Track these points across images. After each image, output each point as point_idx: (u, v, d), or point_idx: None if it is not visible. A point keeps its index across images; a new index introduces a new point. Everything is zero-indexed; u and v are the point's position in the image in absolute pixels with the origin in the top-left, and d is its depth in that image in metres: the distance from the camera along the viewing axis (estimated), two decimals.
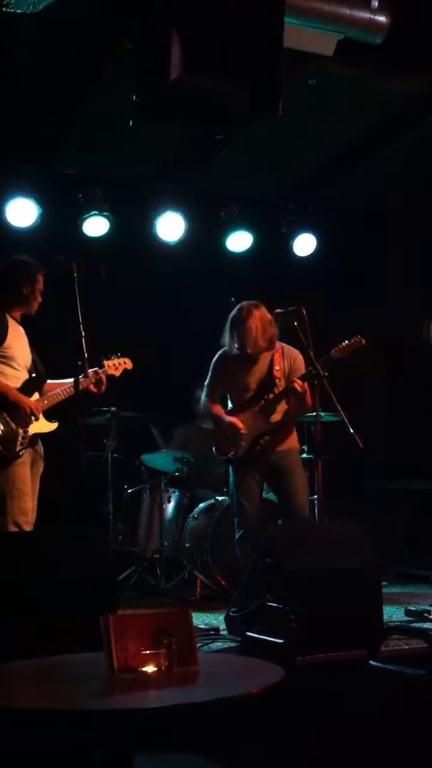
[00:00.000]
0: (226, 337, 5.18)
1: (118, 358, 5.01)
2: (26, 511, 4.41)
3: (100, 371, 4.78)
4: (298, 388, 4.90)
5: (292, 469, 5.12)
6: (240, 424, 5.05)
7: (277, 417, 5.11)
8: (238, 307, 5.16)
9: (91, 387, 4.73)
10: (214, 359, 5.27)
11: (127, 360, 5.05)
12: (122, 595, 5.73)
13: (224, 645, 4.14)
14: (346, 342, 5.05)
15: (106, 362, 4.93)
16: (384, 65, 5.18)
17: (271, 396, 5.10)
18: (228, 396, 5.28)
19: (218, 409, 5.22)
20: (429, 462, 7.00)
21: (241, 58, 3.76)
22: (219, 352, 5.27)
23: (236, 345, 5.12)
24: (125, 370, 5.03)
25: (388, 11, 4.74)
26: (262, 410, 5.09)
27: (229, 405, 5.28)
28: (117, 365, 4.99)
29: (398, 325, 7.20)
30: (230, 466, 5.20)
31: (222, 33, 3.72)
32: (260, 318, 5.06)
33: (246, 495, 5.05)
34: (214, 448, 5.27)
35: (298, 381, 4.93)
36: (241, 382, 5.17)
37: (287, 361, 5.18)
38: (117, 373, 4.99)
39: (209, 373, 5.29)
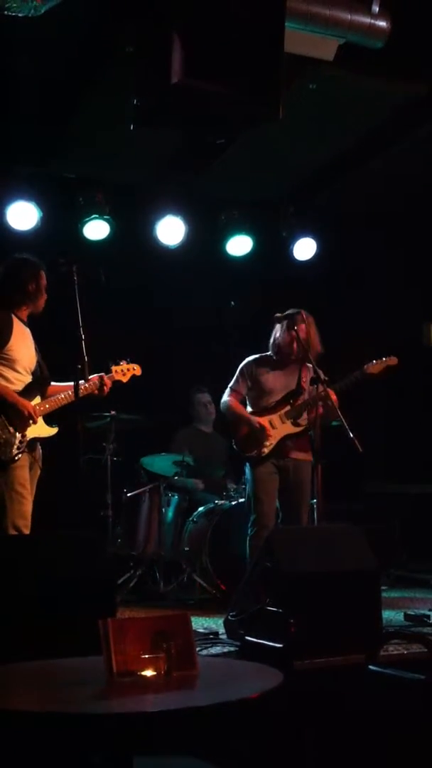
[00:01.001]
0: (278, 333, 5.32)
1: (128, 363, 4.98)
2: (26, 514, 4.41)
3: (105, 377, 4.76)
4: (330, 396, 4.96)
5: (303, 484, 5.30)
6: (269, 428, 5.24)
7: (303, 422, 5.27)
8: (296, 310, 5.26)
9: (94, 392, 4.71)
10: (245, 363, 5.46)
11: (136, 366, 5.02)
12: (121, 599, 5.72)
13: (223, 649, 4.14)
14: (381, 360, 5.22)
15: (113, 367, 4.90)
16: (384, 70, 5.19)
17: (299, 402, 5.25)
18: (248, 398, 5.45)
19: (243, 410, 5.41)
20: (428, 465, 7.00)
21: (242, 63, 3.76)
22: (251, 358, 5.46)
23: (283, 344, 5.28)
24: (133, 376, 5.00)
25: (389, 16, 4.74)
26: (288, 414, 5.27)
27: (248, 408, 5.43)
28: (125, 371, 4.95)
29: (397, 328, 7.21)
30: (248, 464, 5.34)
31: (222, 37, 3.72)
32: (311, 330, 5.22)
33: (265, 491, 5.21)
34: (235, 446, 5.44)
35: (330, 390, 5.00)
36: (269, 387, 5.36)
37: (309, 375, 5.27)
38: (124, 379, 4.96)
39: (237, 375, 5.46)
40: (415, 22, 4.83)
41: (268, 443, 5.24)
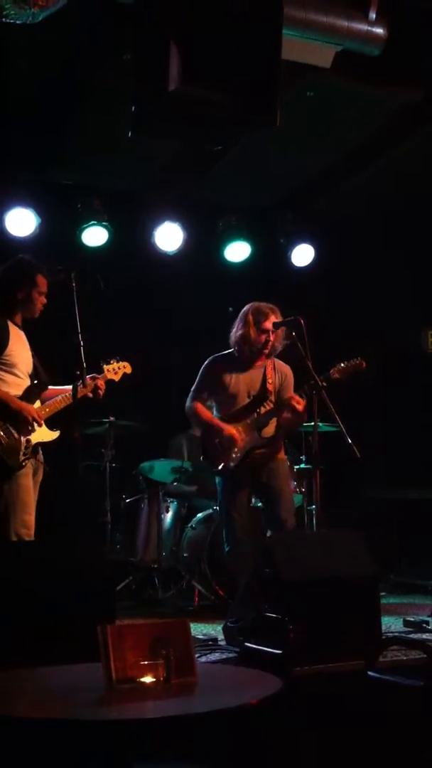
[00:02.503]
0: (240, 329, 4.99)
1: (118, 362, 4.98)
2: (29, 523, 4.38)
3: (98, 377, 4.76)
4: (299, 406, 4.79)
5: (282, 485, 5.02)
6: (237, 436, 4.93)
7: (270, 431, 5.00)
8: (259, 304, 5.03)
9: (88, 394, 4.71)
10: (207, 363, 5.13)
11: (126, 364, 5.02)
12: (120, 605, 5.71)
13: (222, 656, 4.14)
14: (347, 363, 4.97)
15: (105, 367, 4.91)
16: (381, 76, 5.20)
17: (264, 410, 5.00)
18: (214, 403, 5.14)
19: (211, 416, 5.07)
20: (427, 471, 7.00)
21: (240, 70, 3.77)
22: (212, 358, 5.14)
23: (245, 341, 4.97)
24: (125, 375, 5.00)
25: (386, 23, 4.76)
26: (254, 423, 4.98)
27: (215, 413, 5.15)
28: (116, 369, 4.97)
29: (397, 334, 7.21)
30: (218, 477, 5.06)
31: (220, 44, 3.73)
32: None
33: (236, 507, 4.93)
34: (202, 457, 5.17)
35: (297, 397, 4.81)
36: (233, 391, 5.03)
37: (279, 375, 5.08)
38: (117, 378, 4.97)
39: (199, 378, 5.13)
40: (412, 28, 4.84)
41: (233, 455, 4.93)
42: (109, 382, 4.89)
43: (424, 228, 7.19)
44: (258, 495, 5.14)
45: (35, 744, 2.09)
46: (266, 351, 5.00)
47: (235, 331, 5.04)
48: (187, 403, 5.13)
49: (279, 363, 5.12)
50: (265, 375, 5.06)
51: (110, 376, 4.92)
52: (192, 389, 5.13)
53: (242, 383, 5.05)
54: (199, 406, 5.08)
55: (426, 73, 5.11)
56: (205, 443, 5.11)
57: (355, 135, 6.26)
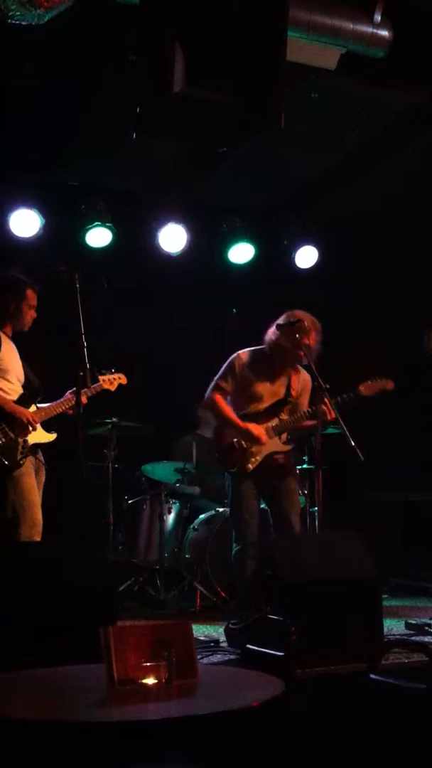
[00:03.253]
0: (279, 337, 4.84)
1: (113, 373, 5.07)
2: (37, 521, 4.49)
3: (92, 386, 4.79)
4: (330, 416, 4.65)
5: (290, 490, 4.95)
6: (264, 437, 4.82)
7: (291, 442, 4.95)
8: (304, 319, 4.84)
9: (68, 411, 4.72)
10: (234, 357, 4.96)
11: (121, 375, 5.12)
12: (122, 607, 5.71)
13: (224, 657, 4.13)
14: (376, 381, 4.96)
15: (100, 377, 4.98)
16: (385, 78, 5.20)
17: (286, 416, 4.90)
18: (232, 399, 4.97)
19: (233, 414, 4.88)
20: (428, 473, 7.00)
21: (244, 71, 3.77)
22: (241, 352, 4.97)
23: (280, 349, 4.85)
24: (120, 385, 5.07)
25: (390, 25, 4.76)
26: (276, 428, 4.89)
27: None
28: (112, 380, 5.06)
29: (399, 336, 7.21)
30: (229, 478, 4.95)
31: (225, 46, 3.73)
32: (318, 338, 4.90)
33: (248, 509, 4.83)
34: (216, 456, 5.04)
35: (330, 407, 4.66)
36: (256, 391, 4.91)
37: (301, 383, 5.00)
38: (112, 388, 5.06)
39: (224, 369, 4.96)
40: (417, 31, 4.85)
41: (254, 459, 4.83)
42: (105, 392, 4.97)
43: (427, 230, 7.18)
44: (266, 498, 5.00)
45: (37, 745, 2.09)
46: (295, 362, 4.93)
47: (274, 334, 4.90)
48: (207, 393, 4.96)
49: (303, 371, 5.03)
50: (290, 381, 4.96)
51: (106, 385, 5.03)
52: (214, 380, 4.96)
53: (267, 384, 4.93)
54: (221, 400, 4.92)
55: (430, 75, 5.11)
56: (219, 440, 4.97)
57: (358, 136, 6.26)
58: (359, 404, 4.90)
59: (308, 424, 4.88)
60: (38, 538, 4.45)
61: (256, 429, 4.84)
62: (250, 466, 4.85)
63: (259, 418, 4.90)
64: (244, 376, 4.92)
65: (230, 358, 4.98)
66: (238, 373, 4.92)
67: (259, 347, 4.99)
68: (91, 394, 4.83)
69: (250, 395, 4.92)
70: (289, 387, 4.94)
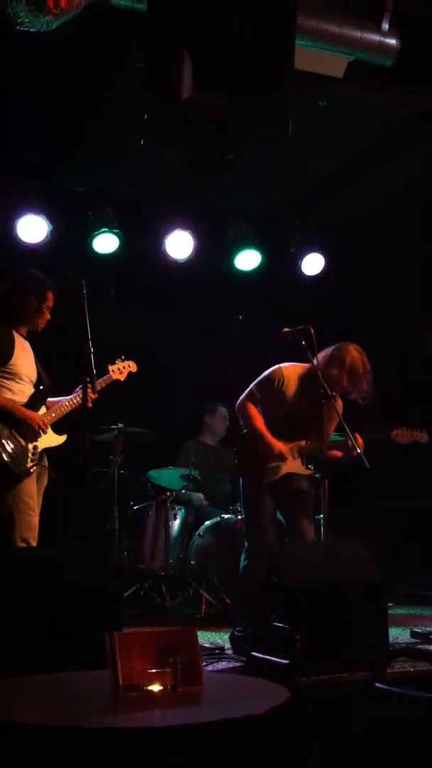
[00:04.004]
0: (334, 369, 4.77)
1: (122, 361, 5.02)
2: (33, 526, 4.43)
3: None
4: (358, 450, 4.60)
5: (303, 495, 4.92)
6: (287, 458, 4.76)
7: (311, 468, 4.89)
8: (364, 363, 4.82)
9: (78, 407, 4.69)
10: (276, 370, 4.88)
11: (131, 363, 5.06)
12: (127, 613, 5.70)
13: (229, 664, 4.13)
14: (411, 431, 5.03)
15: (110, 367, 4.95)
16: (393, 87, 5.20)
17: (311, 441, 4.81)
18: (262, 410, 4.88)
19: (264, 426, 4.80)
20: (428, 481, 6.98)
21: (252, 79, 3.78)
22: (284, 365, 4.89)
23: (330, 379, 4.73)
24: (130, 374, 5.02)
25: (398, 34, 4.77)
26: (301, 451, 4.84)
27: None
28: (122, 369, 5.00)
29: (403, 341, 7.20)
30: (246, 485, 4.92)
31: (233, 54, 3.75)
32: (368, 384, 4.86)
33: (267, 516, 4.78)
34: (236, 460, 4.98)
35: (360, 441, 4.64)
36: (289, 410, 4.84)
37: (332, 413, 4.80)
38: (122, 378, 5.01)
39: (263, 379, 4.89)
40: (425, 40, 4.85)
41: (272, 474, 4.78)
42: (115, 382, 4.92)
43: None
44: (281, 508, 4.95)
45: (41, 751, 2.09)
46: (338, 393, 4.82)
47: (328, 361, 4.81)
48: (242, 398, 4.90)
49: (338, 401, 4.90)
50: (325, 408, 4.74)
51: (116, 376, 4.96)
52: (251, 387, 4.90)
53: (303, 406, 4.83)
54: (253, 409, 4.84)
55: None
56: (241, 447, 4.93)
57: (366, 143, 6.27)
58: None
59: (332, 454, 4.83)
60: (34, 543, 4.41)
61: (283, 446, 4.77)
62: (264, 480, 4.80)
63: (284, 435, 4.82)
64: (280, 392, 4.84)
65: (271, 369, 4.91)
66: (276, 387, 4.85)
67: (304, 366, 4.89)
68: (101, 387, 4.78)
69: (281, 411, 4.85)
70: (321, 414, 4.73)
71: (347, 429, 4.60)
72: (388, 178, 6.72)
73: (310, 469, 4.90)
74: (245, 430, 4.91)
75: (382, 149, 6.37)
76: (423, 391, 7.26)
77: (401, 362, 7.12)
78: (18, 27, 4.03)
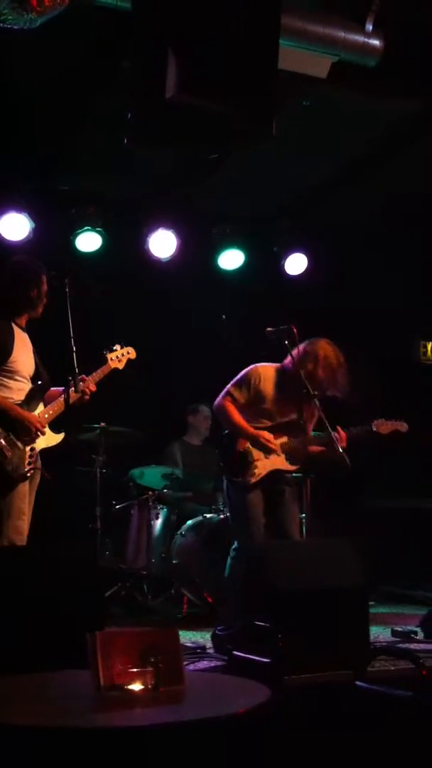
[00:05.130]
0: (309, 365, 4.77)
1: (122, 348, 4.91)
2: (22, 529, 4.33)
3: (86, 378, 4.67)
4: (342, 443, 4.64)
5: (293, 502, 4.92)
6: (275, 445, 4.78)
7: (296, 463, 4.89)
8: (338, 357, 4.84)
9: (79, 400, 4.63)
10: (252, 370, 4.88)
11: (130, 349, 4.94)
12: (109, 613, 5.69)
13: (211, 663, 4.13)
14: (393, 423, 5.04)
15: (108, 355, 4.83)
16: (377, 87, 5.22)
17: (297, 438, 4.82)
18: (240, 411, 4.86)
19: (245, 422, 4.80)
20: (421, 481, 7.01)
21: (236, 79, 3.79)
22: (259, 365, 4.91)
23: (307, 375, 4.72)
24: (129, 361, 4.91)
25: (382, 35, 4.79)
26: (283, 447, 4.84)
27: None
28: (120, 357, 4.88)
29: (389, 344, 7.22)
30: (232, 487, 4.87)
31: (217, 53, 3.75)
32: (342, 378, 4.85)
33: (255, 519, 4.75)
34: (221, 464, 4.99)
35: (343, 434, 4.69)
36: (269, 408, 4.85)
37: (311, 410, 4.85)
38: (121, 366, 4.88)
39: (240, 378, 4.88)
40: (409, 40, 4.87)
41: (257, 472, 4.76)
42: (114, 372, 4.82)
43: (418, 238, 7.21)
44: (268, 510, 4.89)
45: (21, 751, 2.08)
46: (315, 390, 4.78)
47: (302, 358, 4.80)
48: (219, 399, 4.90)
49: (314, 400, 4.85)
50: (302, 406, 4.78)
51: (114, 365, 4.84)
52: (228, 387, 4.89)
53: (281, 405, 4.85)
54: (231, 407, 4.84)
55: (422, 85, 5.14)
56: (225, 449, 4.90)
57: (350, 145, 6.28)
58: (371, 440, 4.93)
59: (314, 449, 4.84)
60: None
61: (268, 435, 4.79)
62: (253, 480, 4.77)
63: (269, 432, 4.84)
64: (258, 391, 4.84)
65: (247, 369, 4.91)
66: (253, 386, 4.84)
67: (280, 365, 4.92)
68: (99, 379, 4.70)
69: (260, 410, 4.86)
70: (301, 411, 4.77)
71: (328, 425, 4.61)
72: (375, 181, 6.74)
73: (294, 464, 4.87)
74: (226, 431, 4.92)
75: (370, 153, 6.39)
76: (410, 395, 7.29)
77: (388, 367, 7.15)
78: (1, 24, 4.02)
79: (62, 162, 6.50)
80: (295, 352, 4.79)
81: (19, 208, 6.50)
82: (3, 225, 6.50)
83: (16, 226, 6.52)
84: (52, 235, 6.74)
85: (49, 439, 4.51)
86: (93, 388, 4.63)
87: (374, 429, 4.97)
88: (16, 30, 4.06)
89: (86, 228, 6.75)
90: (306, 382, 4.67)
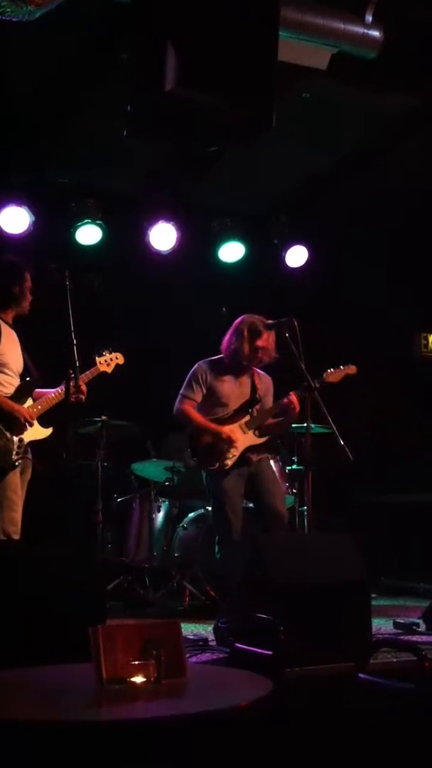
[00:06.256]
0: (234, 344, 5.10)
1: (110, 353, 5.03)
2: (16, 520, 4.40)
3: (80, 377, 4.71)
4: (295, 405, 4.90)
5: (270, 474, 5.20)
6: (235, 436, 5.02)
7: (265, 434, 5.14)
8: (255, 318, 5.11)
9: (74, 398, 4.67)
10: (196, 368, 5.21)
11: (119, 355, 5.07)
12: (110, 606, 5.70)
13: (212, 656, 4.13)
14: (340, 368, 5.16)
15: (97, 359, 4.94)
16: (377, 80, 5.20)
17: (257, 410, 5.11)
18: (200, 407, 5.17)
19: (203, 419, 5.11)
20: (417, 475, 7.02)
21: (235, 71, 3.77)
22: (201, 362, 5.23)
23: (236, 353, 5.09)
24: (118, 366, 5.03)
25: (382, 26, 4.77)
26: (249, 424, 5.09)
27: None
28: (109, 361, 5.00)
29: (389, 337, 7.22)
30: (209, 478, 5.10)
31: (217, 45, 3.73)
32: (271, 337, 5.10)
33: (232, 507, 4.99)
34: (195, 459, 5.23)
35: (295, 399, 4.92)
36: (222, 396, 5.14)
37: (263, 382, 5.23)
38: (109, 370, 5.00)
39: (188, 381, 5.19)
40: (408, 32, 4.85)
41: (230, 455, 5.00)
42: (102, 375, 4.91)
43: (418, 231, 7.20)
44: (249, 489, 5.13)
45: (25, 745, 2.09)
46: (255, 365, 5.17)
47: (228, 342, 5.14)
48: (176, 405, 5.20)
49: (260, 371, 5.26)
50: (253, 382, 5.18)
51: (103, 368, 4.96)
52: (180, 392, 5.20)
53: (232, 388, 5.15)
54: (190, 409, 5.14)
55: (422, 77, 5.12)
56: (194, 444, 5.15)
57: (350, 137, 6.27)
58: (328, 391, 5.03)
59: (270, 422, 5.11)
60: (16, 537, 4.40)
61: (228, 429, 5.04)
62: (229, 463, 5.01)
63: (231, 419, 5.11)
64: (209, 384, 5.14)
65: (192, 369, 5.22)
66: (203, 381, 5.15)
67: (219, 356, 5.21)
68: (88, 380, 4.80)
69: (217, 401, 5.15)
70: (254, 388, 5.16)
71: (330, 420, 4.68)
72: (376, 173, 6.72)
73: (263, 436, 5.12)
74: (191, 430, 5.16)
75: (370, 145, 6.38)
76: (412, 391, 7.30)
77: (390, 361, 7.16)
78: (0, 17, 4.00)
79: (62, 155, 6.48)
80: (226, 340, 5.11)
81: (19, 201, 6.49)
82: (3, 218, 6.49)
83: (16, 220, 6.51)
84: (52, 228, 6.74)
85: (36, 432, 4.58)
86: (84, 388, 4.68)
87: (326, 380, 5.09)
88: (14, 22, 4.05)
89: (86, 221, 6.75)
90: (244, 359, 5.05)
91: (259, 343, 5.05)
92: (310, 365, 4.91)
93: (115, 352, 5.08)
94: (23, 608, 3.12)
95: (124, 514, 6.50)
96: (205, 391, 5.15)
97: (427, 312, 7.06)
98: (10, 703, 2.31)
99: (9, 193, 6.48)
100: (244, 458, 5.05)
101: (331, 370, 5.15)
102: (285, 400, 4.97)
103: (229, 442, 5.00)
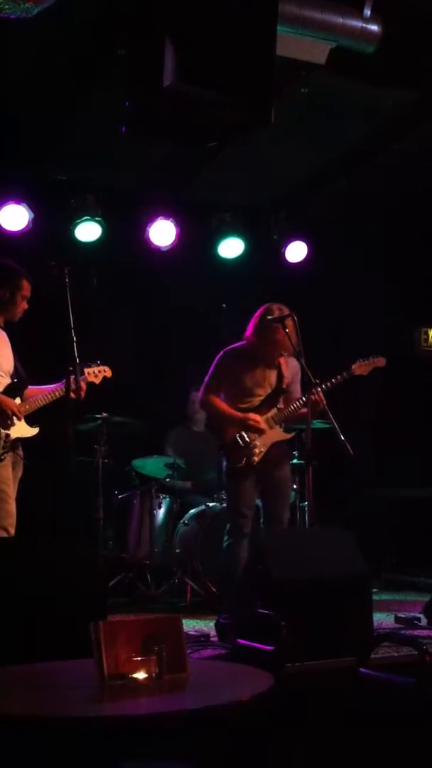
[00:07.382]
0: (255, 331, 4.96)
1: (98, 366, 5.03)
2: (11, 513, 4.44)
3: (80, 378, 4.73)
4: (321, 401, 4.71)
5: (287, 483, 5.12)
6: (263, 424, 4.91)
7: (292, 431, 5.05)
8: (278, 307, 4.94)
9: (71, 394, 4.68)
10: (222, 356, 5.07)
11: (106, 368, 5.07)
12: (112, 602, 5.71)
13: (214, 652, 4.14)
14: (369, 360, 5.09)
15: (86, 370, 4.95)
16: (376, 74, 5.20)
17: (285, 405, 5.00)
18: (225, 397, 5.05)
19: (231, 409, 4.97)
20: (418, 470, 7.02)
21: (234, 66, 3.76)
22: (226, 351, 5.08)
23: (261, 341, 4.94)
24: (105, 378, 5.04)
25: (381, 21, 4.76)
26: (276, 418, 4.99)
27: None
28: (97, 373, 5.01)
29: (389, 332, 7.22)
30: (228, 471, 5.01)
31: (215, 40, 3.72)
32: (295, 326, 4.93)
33: (247, 504, 4.93)
34: (221, 449, 5.08)
35: (321, 394, 4.74)
36: (248, 385, 5.00)
37: (291, 370, 5.06)
38: (97, 381, 5.01)
39: (213, 370, 5.06)
40: (407, 27, 4.84)
41: (258, 451, 4.92)
42: (90, 384, 4.92)
43: (419, 227, 7.19)
44: (261, 490, 5.06)
45: (27, 741, 2.09)
46: (281, 351, 4.99)
47: (253, 328, 4.98)
48: (201, 395, 5.10)
49: (290, 359, 5.08)
50: (280, 371, 5.04)
51: (91, 378, 4.97)
52: (205, 382, 5.07)
53: (258, 378, 5.02)
54: (216, 399, 5.02)
55: (421, 72, 5.11)
56: (223, 437, 5.02)
57: (349, 133, 6.26)
58: (353, 383, 5.02)
59: (304, 412, 4.90)
60: (12, 530, 4.41)
61: (255, 416, 4.92)
62: (256, 459, 4.93)
63: (256, 411, 4.98)
64: (233, 373, 5.01)
65: (217, 358, 5.08)
66: (228, 370, 5.02)
67: (243, 343, 5.06)
68: (76, 389, 4.79)
69: (242, 390, 5.01)
70: (280, 377, 5.02)
71: (332, 418, 4.62)
72: (376, 168, 6.71)
73: (289, 432, 5.04)
74: (217, 422, 5.07)
75: (370, 140, 6.37)
76: (413, 387, 7.29)
77: (390, 357, 7.15)
78: None
79: (61, 152, 6.47)
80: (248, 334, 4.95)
81: (18, 198, 6.49)
82: (2, 216, 6.49)
83: (15, 217, 6.50)
84: (51, 225, 6.73)
85: (23, 429, 4.60)
86: (83, 385, 4.69)
87: (354, 372, 5.04)
88: (12, 19, 4.05)
89: (86, 218, 6.74)
90: (273, 351, 4.90)
91: (284, 331, 4.85)
92: (310, 360, 4.90)
93: (103, 365, 5.06)
94: (24, 605, 3.12)
95: (124, 511, 6.50)
96: (229, 380, 5.02)
97: (427, 307, 7.05)
98: (12, 699, 2.31)
99: (8, 190, 6.47)
100: (269, 454, 4.96)
101: (360, 361, 5.07)
102: (312, 397, 4.75)
103: (256, 430, 4.89)
